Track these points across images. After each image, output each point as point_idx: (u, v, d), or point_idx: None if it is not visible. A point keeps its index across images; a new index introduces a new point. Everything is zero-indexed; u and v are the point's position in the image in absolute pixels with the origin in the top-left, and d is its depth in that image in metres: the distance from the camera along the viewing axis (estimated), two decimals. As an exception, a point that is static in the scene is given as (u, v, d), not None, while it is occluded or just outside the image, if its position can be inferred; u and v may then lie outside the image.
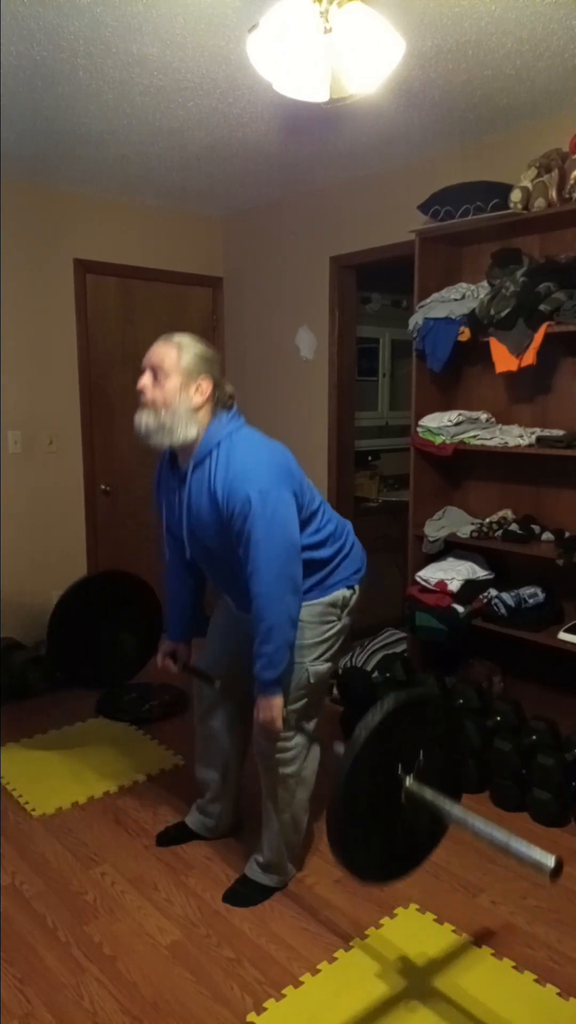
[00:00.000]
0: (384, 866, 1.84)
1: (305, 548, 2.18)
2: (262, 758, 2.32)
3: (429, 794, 1.77)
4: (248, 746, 2.47)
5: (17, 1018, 1.93)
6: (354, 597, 2.37)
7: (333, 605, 2.31)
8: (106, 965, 2.11)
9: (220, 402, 2.19)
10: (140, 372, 2.18)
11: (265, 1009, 1.96)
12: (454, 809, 1.74)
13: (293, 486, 2.13)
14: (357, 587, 2.39)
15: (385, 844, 1.82)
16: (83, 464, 4.39)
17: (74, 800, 2.91)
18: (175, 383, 2.11)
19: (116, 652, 2.97)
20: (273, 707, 2.15)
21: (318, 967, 2.10)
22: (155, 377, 2.13)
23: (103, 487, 4.50)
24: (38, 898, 2.38)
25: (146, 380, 2.15)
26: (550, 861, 1.55)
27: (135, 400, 2.18)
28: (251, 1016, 1.94)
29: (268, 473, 2.08)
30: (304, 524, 2.18)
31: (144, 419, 2.14)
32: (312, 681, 2.28)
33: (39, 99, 2.89)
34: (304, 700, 2.28)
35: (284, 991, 2.02)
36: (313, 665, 2.28)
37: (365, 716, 1.73)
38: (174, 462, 2.26)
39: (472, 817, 1.71)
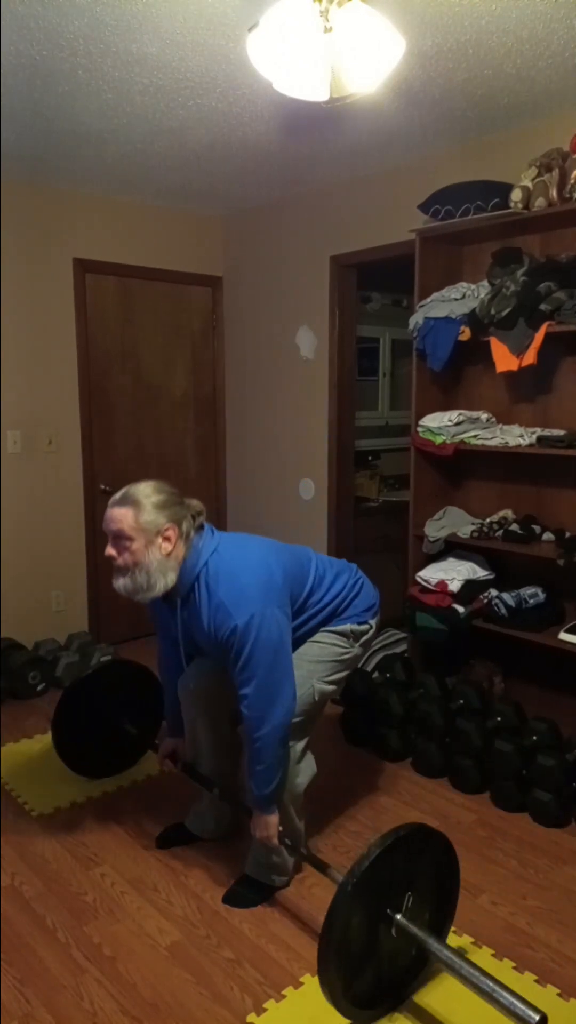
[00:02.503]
0: (372, 1005, 1.89)
1: (311, 609, 2.29)
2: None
3: (420, 934, 1.82)
4: (239, 753, 2.43)
5: (17, 1019, 1.93)
6: (369, 631, 2.43)
7: (343, 635, 2.37)
8: (106, 966, 2.11)
9: (188, 535, 2.16)
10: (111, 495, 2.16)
11: (265, 1010, 1.95)
12: (443, 952, 1.79)
13: (280, 599, 2.14)
14: (372, 622, 2.44)
15: (373, 985, 1.86)
16: (83, 464, 4.39)
17: (73, 800, 2.91)
18: (140, 544, 2.09)
19: (119, 741, 3.02)
20: (269, 825, 2.19)
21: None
22: (119, 543, 2.11)
23: (103, 487, 4.50)
24: (38, 899, 2.38)
25: (111, 550, 2.13)
26: (535, 1016, 1.52)
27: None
28: (251, 1017, 1.94)
29: (252, 597, 2.08)
30: (302, 606, 2.27)
31: (122, 583, 2.14)
32: (316, 699, 2.30)
33: (39, 99, 2.89)
34: (302, 717, 2.26)
35: (284, 992, 2.01)
36: (320, 683, 2.29)
37: (352, 866, 1.77)
38: (165, 596, 2.24)
39: (461, 961, 1.74)
